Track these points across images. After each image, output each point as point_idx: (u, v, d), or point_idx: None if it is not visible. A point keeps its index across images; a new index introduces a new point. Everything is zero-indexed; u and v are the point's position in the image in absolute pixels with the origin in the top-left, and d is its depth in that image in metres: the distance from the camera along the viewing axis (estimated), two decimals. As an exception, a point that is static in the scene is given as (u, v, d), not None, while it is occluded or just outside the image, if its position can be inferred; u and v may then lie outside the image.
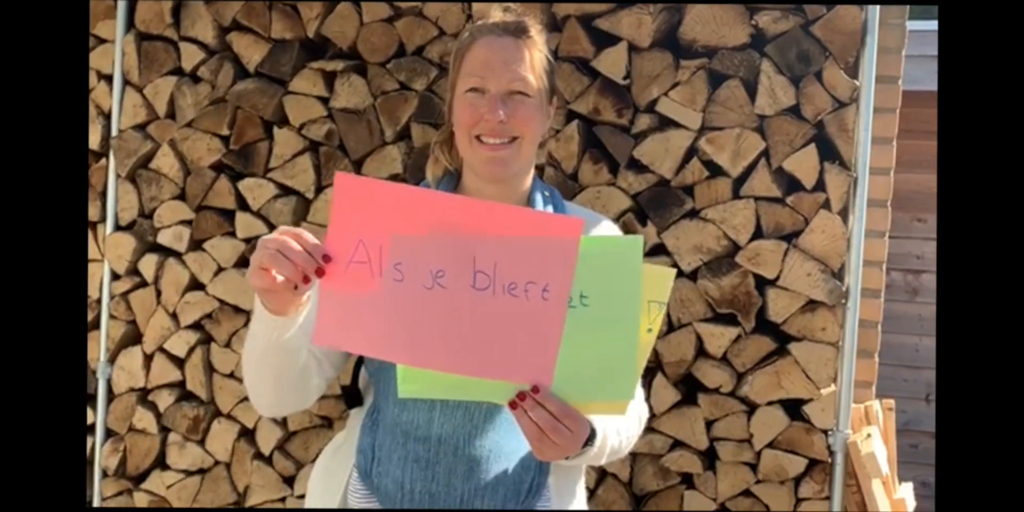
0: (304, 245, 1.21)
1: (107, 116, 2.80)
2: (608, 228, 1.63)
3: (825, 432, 2.36)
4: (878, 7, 2.32)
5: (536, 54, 1.52)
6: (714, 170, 2.41)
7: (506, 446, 1.45)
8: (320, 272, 1.22)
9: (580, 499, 1.57)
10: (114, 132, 2.77)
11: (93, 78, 2.81)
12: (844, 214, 2.36)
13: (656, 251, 2.43)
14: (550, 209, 1.58)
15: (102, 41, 2.80)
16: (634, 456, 2.45)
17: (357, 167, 2.59)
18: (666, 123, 2.43)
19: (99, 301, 2.77)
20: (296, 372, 1.41)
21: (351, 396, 1.58)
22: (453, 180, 1.61)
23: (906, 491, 2.51)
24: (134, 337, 2.77)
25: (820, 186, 2.36)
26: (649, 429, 2.41)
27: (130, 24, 2.75)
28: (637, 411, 1.57)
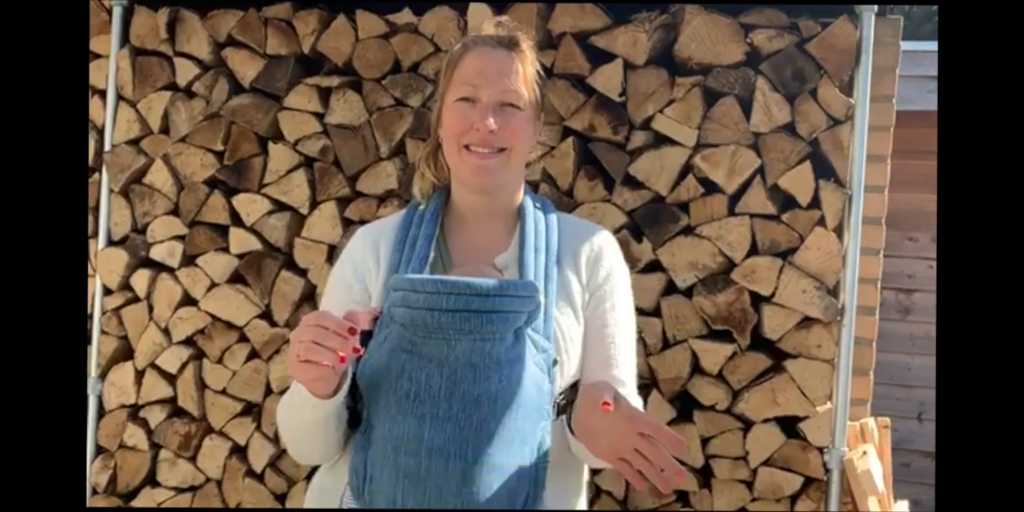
0: (333, 327, 1.27)
1: (100, 131, 2.79)
2: (605, 239, 1.62)
3: (821, 449, 2.35)
4: (873, 26, 2.33)
5: (528, 68, 1.53)
6: (709, 187, 2.41)
7: (498, 458, 1.41)
8: (356, 351, 1.29)
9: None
10: (107, 147, 2.76)
11: (87, 93, 2.80)
12: (839, 231, 2.36)
13: (652, 268, 2.43)
14: (541, 218, 1.57)
15: (96, 56, 2.80)
16: (629, 473, 2.44)
17: (352, 183, 2.59)
18: (661, 140, 2.44)
19: (91, 316, 2.75)
20: (341, 426, 1.50)
21: (350, 417, 1.56)
22: (443, 195, 1.61)
23: (901, 509, 2.50)
24: (125, 353, 2.75)
25: (815, 203, 2.36)
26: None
27: (125, 39, 2.75)
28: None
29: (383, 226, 1.63)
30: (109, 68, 2.75)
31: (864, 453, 2.35)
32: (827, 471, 2.35)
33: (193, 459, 2.67)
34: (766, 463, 2.37)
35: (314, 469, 1.64)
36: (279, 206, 2.64)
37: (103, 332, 2.74)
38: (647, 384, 2.40)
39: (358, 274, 1.57)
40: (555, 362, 1.48)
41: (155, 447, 2.70)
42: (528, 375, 1.43)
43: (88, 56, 2.76)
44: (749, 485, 2.39)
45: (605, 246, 1.61)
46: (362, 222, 2.50)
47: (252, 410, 2.65)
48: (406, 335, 1.42)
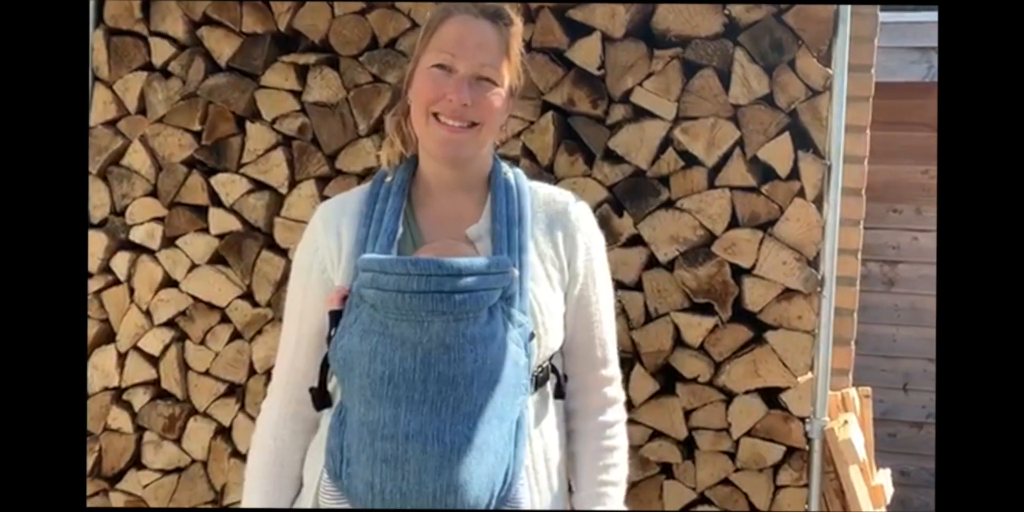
0: None
1: (77, 112, 2.76)
2: (578, 207, 1.60)
3: (802, 420, 2.36)
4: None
5: (512, 45, 1.50)
6: (689, 160, 2.41)
7: (476, 438, 1.38)
8: None
9: (559, 487, 1.56)
10: (88, 129, 2.73)
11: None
12: (819, 203, 2.37)
13: (633, 242, 2.43)
14: (513, 187, 1.54)
15: (71, 37, 2.76)
16: (613, 447, 2.45)
17: (331, 161, 2.57)
18: (641, 113, 2.42)
19: (71, 300, 2.74)
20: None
21: (320, 398, 1.54)
22: (410, 166, 1.57)
23: (884, 477, 2.52)
24: (107, 336, 2.74)
25: (795, 175, 2.36)
26: (627, 420, 2.39)
27: (99, 19, 2.71)
28: (620, 416, 1.63)
29: (344, 201, 1.58)
30: (84, 49, 2.72)
31: (845, 422, 2.36)
32: (809, 441, 2.37)
33: (178, 441, 2.67)
34: (748, 434, 2.38)
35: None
36: (258, 185, 2.62)
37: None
38: (630, 358, 2.40)
39: (317, 256, 1.53)
40: (532, 336, 1.47)
41: (139, 430, 2.70)
42: (504, 351, 1.41)
43: (88, 40, 2.71)
44: (732, 456, 2.40)
45: (580, 215, 1.59)
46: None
47: (236, 391, 2.65)
48: (377, 317, 1.40)
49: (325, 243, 1.53)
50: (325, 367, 1.48)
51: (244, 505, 1.56)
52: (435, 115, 1.46)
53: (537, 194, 1.58)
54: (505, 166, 1.58)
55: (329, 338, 1.45)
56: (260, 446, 1.57)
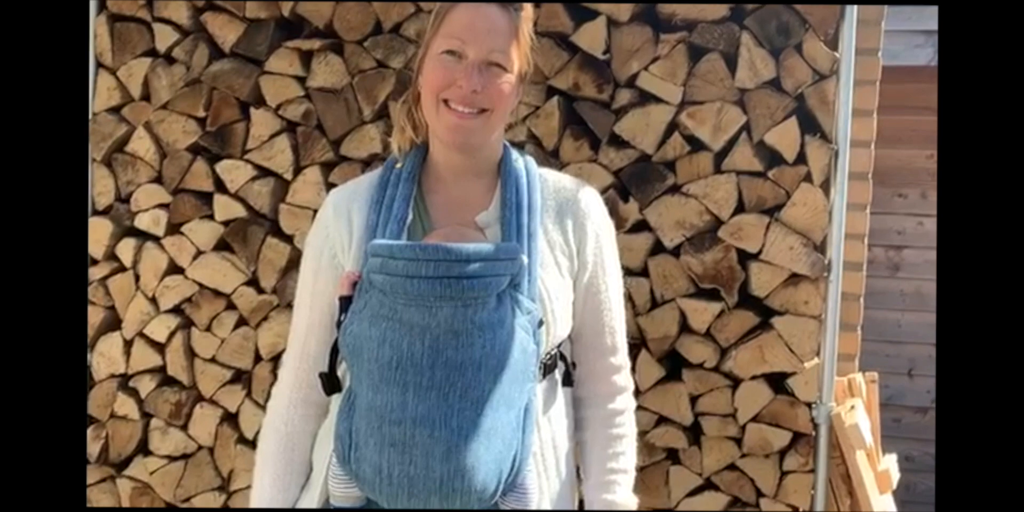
0: None
1: (80, 99, 2.76)
2: (588, 194, 1.60)
3: (809, 405, 2.36)
4: (857, -22, 2.31)
5: (522, 30, 1.49)
6: (695, 145, 2.40)
7: (484, 424, 1.39)
8: None
9: (567, 474, 1.56)
10: (88, 115, 2.72)
11: (65, 60, 2.76)
12: (826, 187, 2.35)
13: (639, 227, 2.43)
14: (523, 174, 1.55)
15: (73, 23, 2.75)
16: (619, 433, 2.45)
17: (335, 147, 2.57)
18: (647, 98, 2.41)
19: (77, 287, 2.73)
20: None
21: (329, 383, 1.54)
22: (421, 152, 1.57)
23: (890, 462, 2.51)
24: (113, 323, 2.74)
25: (801, 159, 2.35)
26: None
27: (102, 5, 2.70)
28: (628, 403, 1.63)
29: (355, 188, 1.59)
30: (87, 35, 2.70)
31: (852, 407, 2.36)
32: (815, 426, 2.37)
33: (184, 427, 2.67)
34: (755, 419, 2.38)
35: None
36: (263, 172, 2.61)
37: (90, 302, 2.73)
38: (636, 344, 2.40)
39: (328, 242, 1.54)
40: (541, 323, 1.47)
41: (146, 416, 2.70)
42: (512, 338, 1.42)
43: (89, 28, 2.69)
44: (738, 441, 2.40)
45: (590, 203, 1.59)
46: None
47: (242, 377, 2.65)
48: (386, 302, 1.40)
49: (336, 229, 1.53)
50: (335, 352, 1.49)
51: (255, 488, 1.57)
52: (445, 101, 1.46)
53: (547, 181, 1.58)
54: (515, 153, 1.58)
55: (339, 323, 1.45)
56: (271, 430, 1.57)
